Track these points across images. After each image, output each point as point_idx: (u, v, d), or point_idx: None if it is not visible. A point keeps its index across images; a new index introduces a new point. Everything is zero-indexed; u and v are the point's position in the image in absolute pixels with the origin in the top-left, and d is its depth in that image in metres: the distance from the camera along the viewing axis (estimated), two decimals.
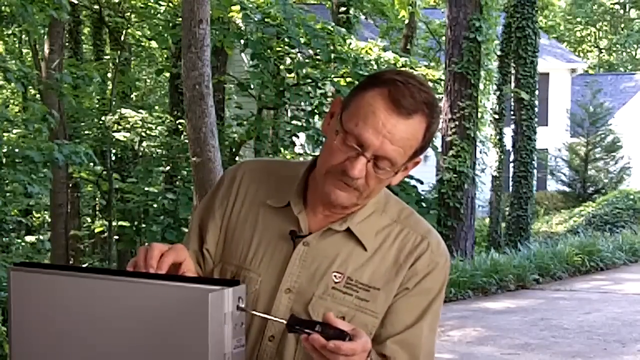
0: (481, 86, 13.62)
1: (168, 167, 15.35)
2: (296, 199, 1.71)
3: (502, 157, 16.69)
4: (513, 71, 16.07)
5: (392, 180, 1.68)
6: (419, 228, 1.73)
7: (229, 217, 1.75)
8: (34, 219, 17.96)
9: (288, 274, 1.68)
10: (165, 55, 17.62)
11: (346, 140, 1.60)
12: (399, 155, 1.61)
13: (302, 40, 11.81)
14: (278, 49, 12.03)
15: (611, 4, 39.11)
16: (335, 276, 1.67)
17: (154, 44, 17.38)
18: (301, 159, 12.09)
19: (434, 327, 1.73)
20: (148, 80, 21.43)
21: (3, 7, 9.32)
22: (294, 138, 12.57)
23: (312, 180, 1.72)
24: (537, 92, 16.25)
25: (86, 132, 15.78)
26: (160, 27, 15.02)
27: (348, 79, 12.81)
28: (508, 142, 16.58)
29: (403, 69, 14.21)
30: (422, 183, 14.00)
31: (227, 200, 1.76)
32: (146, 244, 1.59)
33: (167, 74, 16.69)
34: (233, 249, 1.73)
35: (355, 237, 1.69)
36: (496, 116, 16.51)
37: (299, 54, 12.39)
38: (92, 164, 10.13)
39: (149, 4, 15.28)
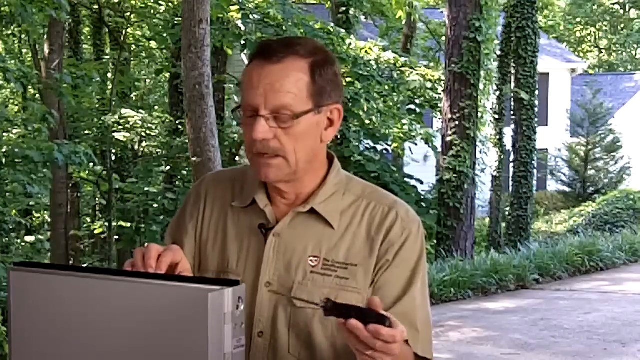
0: (481, 86, 13.61)
1: (168, 167, 15.35)
2: (260, 195, 1.73)
3: (502, 157, 16.69)
4: (513, 71, 16.07)
5: (324, 136, 1.69)
6: (385, 200, 1.74)
7: (201, 228, 1.78)
8: (33, 219, 17.96)
9: (265, 268, 1.69)
10: (165, 56, 17.61)
11: (246, 117, 1.65)
12: (292, 99, 1.61)
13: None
14: None
15: (611, 4, 39.11)
16: (311, 260, 1.68)
17: (153, 44, 17.38)
18: None
19: (425, 294, 1.73)
20: (148, 80, 21.43)
21: (3, 7, 9.32)
22: None
23: None
24: (537, 92, 16.25)
25: (86, 132, 15.79)
26: (160, 27, 15.02)
27: (348, 79, 12.81)
28: (508, 142, 16.58)
29: (403, 68, 14.22)
30: (422, 183, 14.02)
31: (197, 214, 1.80)
32: (146, 244, 1.60)
33: (167, 74, 16.69)
34: (209, 257, 1.76)
35: (322, 218, 1.70)
36: (496, 116, 16.51)
37: None
38: (92, 164, 10.12)
39: (149, 4, 15.29)
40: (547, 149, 23.48)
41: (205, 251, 1.77)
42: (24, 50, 20.11)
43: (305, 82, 1.64)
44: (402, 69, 14.25)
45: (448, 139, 12.94)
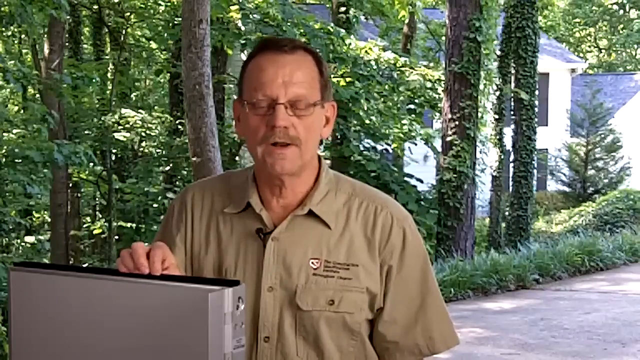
0: (481, 86, 13.60)
1: (168, 167, 15.35)
2: (254, 198, 1.72)
3: (502, 157, 16.69)
4: (513, 71, 16.07)
5: (323, 132, 1.72)
6: (375, 198, 1.76)
7: (190, 239, 1.76)
8: (33, 219, 17.95)
9: (266, 273, 1.68)
10: (165, 56, 17.61)
11: (257, 108, 1.65)
12: (307, 90, 1.65)
13: (301, 40, 11.81)
14: None
15: (611, 4, 39.09)
16: (312, 263, 1.68)
17: (154, 44, 17.38)
18: None
19: (437, 287, 1.79)
20: (148, 80, 21.42)
21: (3, 7, 9.31)
22: None
23: (259, 176, 1.74)
24: (537, 92, 16.25)
25: (86, 132, 15.78)
26: (160, 27, 15.02)
27: (348, 79, 12.81)
28: (508, 142, 16.58)
29: (402, 68, 14.22)
30: (422, 182, 14.01)
31: (184, 225, 1.77)
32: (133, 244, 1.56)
33: (167, 74, 16.69)
34: (204, 267, 1.74)
35: (319, 219, 1.70)
36: (496, 116, 16.51)
37: None
38: (92, 164, 10.11)
39: (149, 4, 15.28)
40: (547, 149, 23.47)
41: (198, 261, 1.74)
42: (24, 50, 20.10)
43: (315, 73, 1.68)
44: (402, 69, 14.24)
45: (448, 139, 12.93)
